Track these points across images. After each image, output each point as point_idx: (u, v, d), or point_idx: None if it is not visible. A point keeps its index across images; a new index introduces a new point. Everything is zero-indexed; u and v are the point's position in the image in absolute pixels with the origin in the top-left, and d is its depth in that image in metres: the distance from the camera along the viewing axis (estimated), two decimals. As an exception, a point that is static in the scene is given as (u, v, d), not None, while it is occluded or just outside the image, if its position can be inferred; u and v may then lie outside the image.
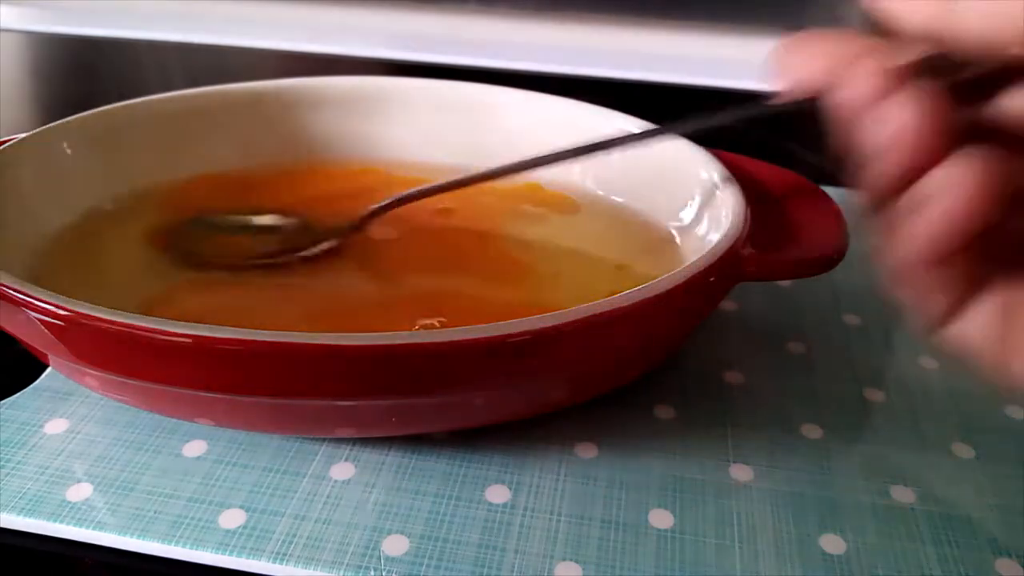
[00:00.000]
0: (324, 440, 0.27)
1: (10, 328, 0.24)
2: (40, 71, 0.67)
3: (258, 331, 0.21)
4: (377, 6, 0.69)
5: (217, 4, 0.70)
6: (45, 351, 0.24)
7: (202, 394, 0.23)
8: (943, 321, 0.19)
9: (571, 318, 0.22)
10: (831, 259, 0.27)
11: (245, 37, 0.68)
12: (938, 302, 0.18)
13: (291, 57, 0.67)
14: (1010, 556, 0.24)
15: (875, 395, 0.30)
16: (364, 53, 0.66)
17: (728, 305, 0.35)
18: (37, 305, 0.22)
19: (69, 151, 0.33)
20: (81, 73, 0.67)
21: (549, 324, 0.22)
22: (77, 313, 0.21)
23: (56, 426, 0.27)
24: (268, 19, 0.69)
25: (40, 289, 0.22)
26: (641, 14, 0.66)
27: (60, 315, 0.22)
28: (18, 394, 0.29)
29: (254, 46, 0.67)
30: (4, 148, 0.30)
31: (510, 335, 0.21)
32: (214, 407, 0.24)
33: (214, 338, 0.21)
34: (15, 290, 0.22)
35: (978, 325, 0.19)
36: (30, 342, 0.24)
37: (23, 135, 0.31)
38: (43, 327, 0.22)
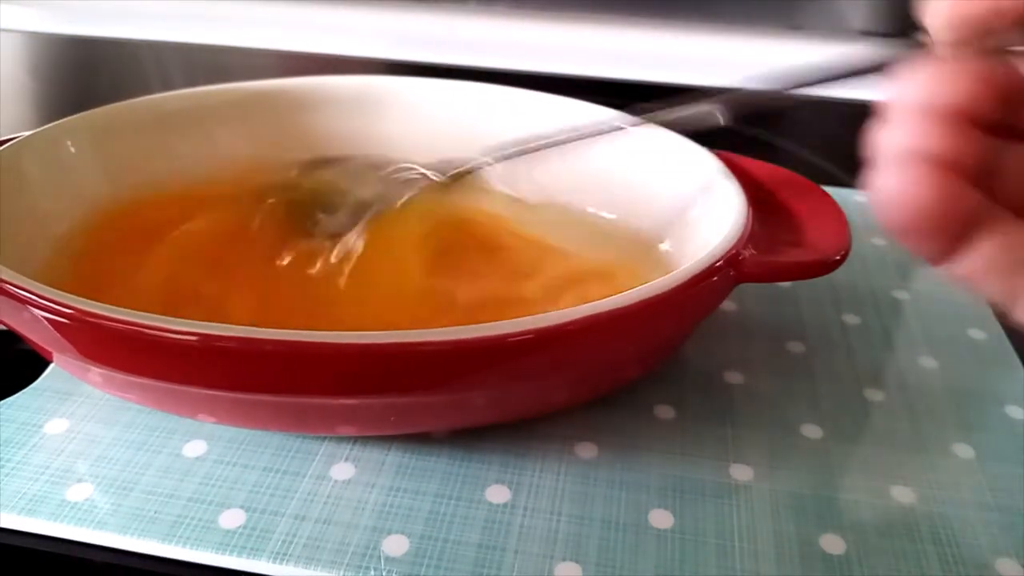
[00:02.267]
0: (324, 440, 0.27)
1: (14, 325, 0.24)
2: (40, 71, 0.67)
3: (264, 329, 0.21)
4: (377, 6, 0.69)
5: (217, 4, 0.70)
6: (49, 349, 0.24)
7: (206, 392, 0.23)
8: (944, 260, 0.18)
9: (571, 318, 0.22)
10: (834, 261, 0.27)
11: (245, 37, 0.68)
12: (935, 244, 0.17)
13: (291, 57, 0.67)
14: (1010, 556, 0.24)
15: (875, 395, 0.30)
16: (364, 53, 0.66)
17: (728, 305, 0.35)
18: (41, 303, 0.22)
19: (73, 149, 0.33)
20: (81, 73, 0.67)
21: (550, 324, 0.22)
22: (81, 311, 0.22)
23: (56, 426, 0.27)
24: (268, 19, 0.69)
25: (44, 287, 0.22)
26: (642, 14, 0.66)
27: (65, 313, 0.22)
28: (18, 394, 0.29)
29: (254, 46, 0.67)
30: (8, 146, 0.30)
31: (511, 335, 0.22)
32: (217, 404, 0.24)
33: (220, 336, 0.21)
34: (20, 287, 0.22)
35: (981, 263, 0.17)
36: (34, 339, 0.24)
37: (27, 133, 0.31)
38: (47, 325, 0.22)
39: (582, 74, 0.63)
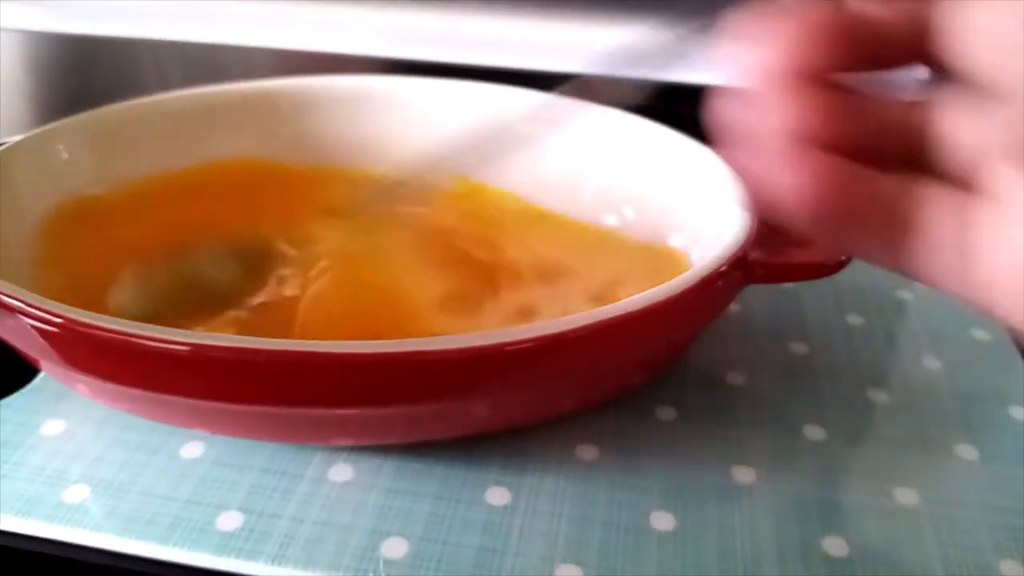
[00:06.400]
0: (323, 441, 0.27)
1: (2, 333, 0.24)
2: (37, 69, 0.67)
3: (256, 339, 0.21)
4: (377, 4, 0.69)
5: (215, 2, 0.70)
6: (38, 358, 0.24)
7: (197, 402, 0.23)
8: (828, 232, 0.16)
9: (575, 325, 0.22)
10: (840, 261, 0.27)
11: (243, 36, 0.67)
12: (819, 222, 0.16)
13: (289, 55, 0.66)
14: (1015, 558, 0.24)
15: (878, 396, 0.30)
16: (363, 52, 0.66)
17: (731, 306, 0.35)
18: (30, 311, 0.22)
19: (65, 154, 0.32)
20: (78, 72, 0.66)
21: (553, 331, 0.22)
22: (71, 320, 0.21)
23: (53, 427, 0.27)
24: (266, 17, 0.69)
25: (33, 295, 0.22)
26: (646, 13, 0.65)
27: (54, 322, 0.21)
28: (14, 395, 0.28)
29: (252, 45, 0.67)
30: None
31: (513, 342, 0.21)
32: (209, 415, 0.24)
33: (211, 346, 0.21)
34: (8, 295, 0.22)
35: (858, 228, 0.16)
36: (23, 348, 0.24)
37: (18, 137, 0.31)
38: (36, 334, 0.22)
39: (585, 72, 0.63)
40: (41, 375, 0.29)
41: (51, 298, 0.22)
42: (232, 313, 0.29)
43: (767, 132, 0.15)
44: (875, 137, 0.16)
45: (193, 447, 0.26)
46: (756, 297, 0.35)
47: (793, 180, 0.15)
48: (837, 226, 0.16)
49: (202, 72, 0.65)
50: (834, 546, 0.24)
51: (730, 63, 0.16)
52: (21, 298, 0.22)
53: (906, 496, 0.26)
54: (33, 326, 0.22)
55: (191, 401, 0.23)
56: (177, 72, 0.66)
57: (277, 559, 0.23)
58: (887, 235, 0.16)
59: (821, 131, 0.15)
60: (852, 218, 0.16)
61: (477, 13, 0.68)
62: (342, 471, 0.26)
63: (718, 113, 0.16)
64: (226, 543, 0.23)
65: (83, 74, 0.66)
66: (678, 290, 0.23)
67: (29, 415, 0.28)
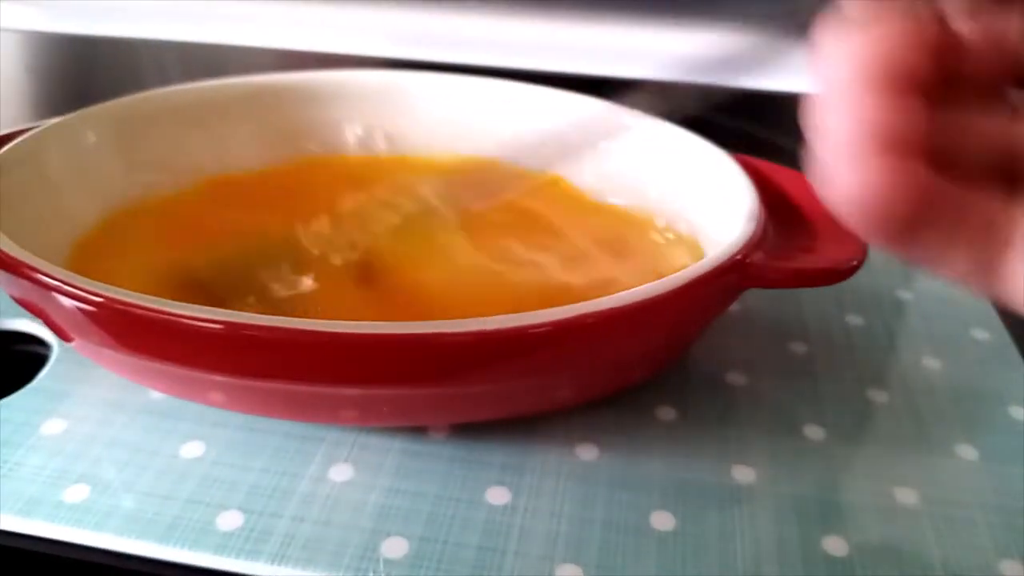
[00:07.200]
0: (323, 441, 0.27)
1: (39, 312, 0.24)
2: (38, 69, 0.67)
3: (287, 318, 0.21)
4: (377, 4, 0.69)
5: (215, 2, 0.70)
6: (74, 336, 0.25)
7: (226, 379, 0.23)
8: (902, 244, 0.16)
9: (562, 317, 0.22)
10: (851, 267, 0.26)
11: (243, 35, 0.67)
12: (894, 231, 0.15)
13: (289, 55, 0.66)
14: (1014, 558, 0.24)
15: (878, 396, 0.30)
16: (366, 52, 0.66)
17: (731, 306, 0.35)
18: (70, 291, 0.22)
19: (94, 139, 0.33)
20: (78, 72, 0.66)
21: (547, 320, 0.22)
22: (110, 299, 0.22)
23: (53, 427, 0.27)
24: (266, 17, 0.69)
25: (73, 275, 0.23)
26: (653, 12, 0.65)
27: (93, 301, 0.22)
28: (14, 394, 0.28)
29: (252, 44, 0.67)
30: (30, 135, 0.30)
31: (530, 326, 0.22)
32: (234, 391, 0.25)
33: (246, 324, 0.21)
34: (47, 275, 0.23)
35: (939, 242, 0.16)
36: (61, 325, 0.24)
37: (51, 121, 0.31)
38: (76, 313, 0.23)
39: (590, 72, 0.63)
40: (41, 375, 0.29)
41: (82, 274, 0.23)
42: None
43: (844, 134, 0.15)
44: (981, 154, 0.16)
45: (193, 447, 0.26)
46: (756, 297, 0.35)
47: (862, 182, 0.15)
48: (918, 238, 0.16)
49: (202, 72, 0.65)
50: (834, 546, 0.24)
51: (813, 68, 0.16)
52: (60, 277, 0.23)
53: (906, 496, 0.26)
54: (73, 306, 0.22)
55: (219, 377, 0.23)
56: (177, 72, 0.66)
57: (277, 559, 0.23)
58: (981, 254, 0.16)
59: (903, 137, 0.15)
60: (935, 230, 0.16)
61: (476, 13, 0.68)
62: (342, 471, 0.26)
63: (808, 120, 0.16)
64: (226, 543, 0.23)
65: (83, 74, 0.66)
66: (667, 289, 0.23)
67: (29, 415, 0.28)
